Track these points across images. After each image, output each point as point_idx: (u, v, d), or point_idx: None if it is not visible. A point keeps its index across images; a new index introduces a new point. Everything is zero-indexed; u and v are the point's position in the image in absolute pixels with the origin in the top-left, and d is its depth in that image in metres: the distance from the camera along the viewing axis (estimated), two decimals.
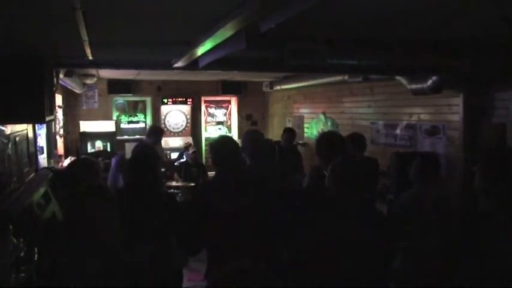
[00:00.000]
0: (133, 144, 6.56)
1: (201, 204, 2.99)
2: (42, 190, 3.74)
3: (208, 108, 10.55)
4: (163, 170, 6.72)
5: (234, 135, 10.43)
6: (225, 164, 3.03)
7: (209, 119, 10.57)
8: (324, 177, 2.78)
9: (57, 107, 6.87)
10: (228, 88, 9.90)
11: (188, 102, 9.94)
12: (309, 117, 8.62)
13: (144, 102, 10.00)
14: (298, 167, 6.26)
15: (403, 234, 3.03)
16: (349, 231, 2.50)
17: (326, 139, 3.52)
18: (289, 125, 9.03)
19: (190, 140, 9.55)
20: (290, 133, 6.69)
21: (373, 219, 2.63)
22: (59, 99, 7.48)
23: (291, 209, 3.35)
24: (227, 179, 2.99)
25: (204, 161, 9.18)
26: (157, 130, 6.30)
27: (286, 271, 2.82)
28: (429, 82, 4.85)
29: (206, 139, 10.13)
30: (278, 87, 8.93)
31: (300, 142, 8.57)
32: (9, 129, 3.64)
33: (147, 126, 9.85)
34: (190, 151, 7.61)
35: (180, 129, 10.02)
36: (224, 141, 3.21)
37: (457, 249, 2.62)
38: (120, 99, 9.76)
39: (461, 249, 2.58)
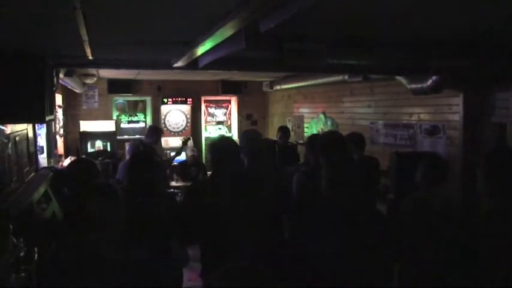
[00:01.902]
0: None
1: (194, 201, 2.99)
2: (42, 190, 3.73)
3: (208, 108, 10.55)
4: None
5: (234, 135, 10.44)
6: (222, 165, 3.02)
7: (209, 118, 10.57)
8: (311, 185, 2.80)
9: (57, 107, 6.87)
10: (228, 88, 9.90)
11: (188, 102, 9.94)
12: (309, 117, 8.62)
13: (144, 102, 10.01)
14: (295, 160, 6.35)
15: (407, 238, 3.01)
16: (349, 231, 2.50)
17: (328, 138, 3.52)
18: (289, 124, 9.04)
19: (190, 140, 9.54)
20: (284, 131, 6.72)
21: (372, 220, 2.63)
22: (59, 99, 7.49)
23: (289, 210, 3.35)
24: (223, 179, 2.99)
25: (204, 160, 9.18)
26: (157, 130, 6.29)
27: (283, 272, 2.82)
28: (429, 82, 4.85)
29: (206, 139, 10.13)
30: (278, 87, 8.93)
31: (300, 142, 8.57)
32: (9, 129, 3.65)
33: (147, 126, 9.85)
34: (190, 153, 7.60)
35: (180, 129, 10.02)
36: (222, 142, 3.21)
37: (459, 251, 2.62)
38: (120, 99, 9.77)
39: (463, 251, 2.58)
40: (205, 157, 9.57)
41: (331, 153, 3.24)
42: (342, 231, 2.49)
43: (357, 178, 2.62)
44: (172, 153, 6.91)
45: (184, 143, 6.63)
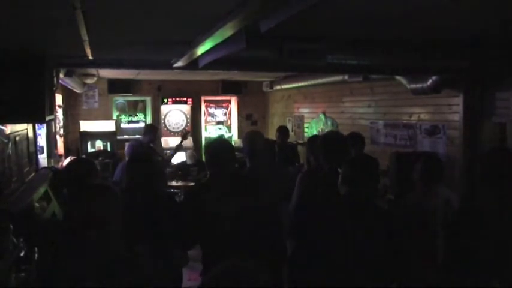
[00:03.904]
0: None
1: (194, 203, 3.00)
2: (42, 190, 3.74)
3: (208, 108, 10.55)
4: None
5: (234, 135, 10.44)
6: (218, 166, 3.03)
7: (209, 118, 10.57)
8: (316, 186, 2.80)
9: (57, 107, 6.87)
10: (228, 88, 9.90)
11: (188, 102, 9.94)
12: (309, 117, 8.62)
13: (144, 102, 10.01)
14: (294, 160, 6.35)
15: (406, 237, 3.02)
16: (354, 230, 2.49)
17: (329, 138, 3.52)
18: (289, 124, 9.04)
19: (190, 139, 9.54)
20: (282, 132, 6.69)
21: (380, 218, 2.63)
22: (59, 99, 7.48)
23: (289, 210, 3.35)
24: (220, 181, 2.99)
25: (204, 160, 9.17)
26: (152, 127, 6.28)
27: (284, 271, 2.82)
28: (429, 82, 4.86)
29: (206, 139, 10.13)
30: (278, 87, 8.93)
31: (300, 142, 8.57)
32: (9, 129, 3.64)
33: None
34: (190, 153, 7.62)
35: (180, 129, 10.02)
36: (216, 144, 3.21)
37: (457, 250, 2.62)
38: (120, 99, 9.77)
39: (461, 250, 2.58)
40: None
41: (332, 153, 3.24)
42: (347, 230, 2.49)
43: (371, 176, 2.64)
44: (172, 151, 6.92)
45: (184, 137, 6.62)
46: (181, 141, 6.48)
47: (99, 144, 8.67)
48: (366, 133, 6.16)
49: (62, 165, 6.35)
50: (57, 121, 7.34)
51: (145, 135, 6.05)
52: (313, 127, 8.38)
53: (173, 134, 9.94)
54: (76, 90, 8.11)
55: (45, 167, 5.13)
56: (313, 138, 4.22)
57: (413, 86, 5.12)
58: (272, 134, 9.36)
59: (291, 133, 8.70)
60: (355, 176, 2.58)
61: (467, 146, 4.83)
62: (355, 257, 2.46)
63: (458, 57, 4.04)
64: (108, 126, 8.96)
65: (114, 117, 9.57)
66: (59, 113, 7.80)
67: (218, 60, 3.76)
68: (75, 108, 9.22)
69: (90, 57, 4.04)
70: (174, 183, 7.13)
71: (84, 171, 3.16)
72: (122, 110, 9.85)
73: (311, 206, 3.00)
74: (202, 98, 10.32)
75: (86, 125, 8.80)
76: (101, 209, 2.08)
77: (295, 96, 9.12)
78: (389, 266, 2.59)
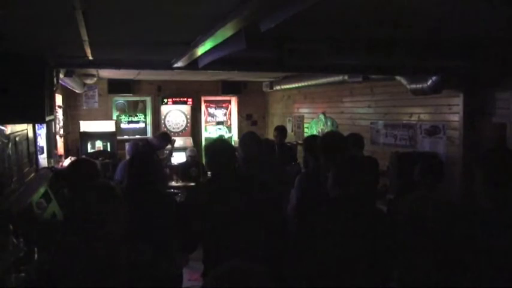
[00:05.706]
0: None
1: (195, 204, 3.00)
2: (42, 190, 3.74)
3: (208, 108, 10.55)
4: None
5: (234, 135, 10.44)
6: (219, 167, 3.02)
7: (209, 119, 10.57)
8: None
9: (57, 107, 6.87)
10: (228, 88, 9.90)
11: (188, 102, 9.94)
12: (309, 117, 8.62)
13: (144, 102, 10.01)
14: (291, 160, 6.35)
15: (405, 237, 3.02)
16: (351, 231, 2.49)
17: (329, 139, 3.52)
18: (289, 124, 9.04)
19: (190, 140, 9.57)
20: (279, 131, 6.66)
21: (374, 219, 2.63)
22: (59, 99, 7.48)
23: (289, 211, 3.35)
24: (221, 181, 2.99)
25: (203, 161, 9.19)
26: (168, 139, 6.46)
27: (285, 272, 2.82)
28: (429, 82, 4.85)
29: (206, 139, 10.13)
30: (278, 87, 8.93)
31: (300, 142, 8.57)
32: (9, 129, 3.64)
33: (147, 126, 9.88)
34: (189, 154, 7.69)
35: (180, 129, 10.02)
36: (218, 145, 3.21)
37: (457, 250, 2.62)
38: (120, 99, 9.77)
39: (461, 250, 2.58)
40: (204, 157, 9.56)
41: (332, 153, 3.24)
42: (344, 232, 2.49)
43: (363, 177, 2.63)
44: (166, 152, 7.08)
45: (172, 143, 6.82)
46: (172, 147, 6.73)
47: (99, 144, 8.67)
48: (366, 133, 6.16)
49: (62, 165, 6.36)
50: (57, 121, 7.34)
51: (158, 141, 6.15)
52: (313, 127, 8.38)
53: (173, 134, 9.92)
54: (76, 91, 8.11)
55: (45, 167, 5.14)
56: (310, 138, 4.21)
57: (413, 86, 5.12)
58: (272, 134, 9.36)
59: (291, 133, 8.70)
60: (345, 177, 2.57)
61: (467, 146, 4.83)
62: (352, 258, 2.46)
63: (458, 57, 4.04)
64: (108, 126, 8.96)
65: (114, 117, 9.57)
66: (59, 113, 7.79)
67: (218, 61, 3.76)
68: (75, 108, 9.22)
69: (90, 58, 4.04)
70: (174, 183, 7.14)
71: (86, 171, 3.16)
72: (122, 110, 9.85)
73: (310, 208, 3.00)
74: (202, 98, 10.32)
75: (86, 125, 8.80)
76: (101, 209, 2.08)
77: (295, 97, 9.12)
78: (386, 266, 2.59)
